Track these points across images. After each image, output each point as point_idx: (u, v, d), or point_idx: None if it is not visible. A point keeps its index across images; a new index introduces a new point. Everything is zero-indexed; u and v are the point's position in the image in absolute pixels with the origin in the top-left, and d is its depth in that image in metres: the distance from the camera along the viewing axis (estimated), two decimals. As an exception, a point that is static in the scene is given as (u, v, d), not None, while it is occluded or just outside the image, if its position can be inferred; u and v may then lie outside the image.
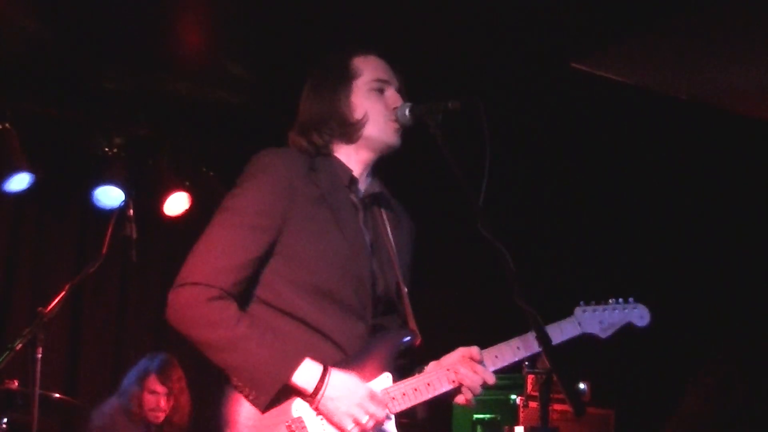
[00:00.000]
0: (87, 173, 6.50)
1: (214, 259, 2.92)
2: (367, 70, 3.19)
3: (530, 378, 6.01)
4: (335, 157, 3.16)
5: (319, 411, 2.92)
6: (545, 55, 5.72)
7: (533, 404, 5.91)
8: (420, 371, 3.13)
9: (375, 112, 3.14)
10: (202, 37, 5.83)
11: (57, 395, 5.18)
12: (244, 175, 3.07)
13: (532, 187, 7.31)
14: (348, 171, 3.14)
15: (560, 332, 3.23)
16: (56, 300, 4.39)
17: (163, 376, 5.81)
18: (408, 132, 3.19)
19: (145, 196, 6.33)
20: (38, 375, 4.42)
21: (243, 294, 2.98)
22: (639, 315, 3.40)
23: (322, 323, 2.99)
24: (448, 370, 3.09)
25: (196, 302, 2.89)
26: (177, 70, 6.10)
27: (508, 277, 2.77)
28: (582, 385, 6.22)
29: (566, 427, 5.94)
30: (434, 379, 3.07)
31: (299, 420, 2.92)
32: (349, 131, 3.14)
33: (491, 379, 3.14)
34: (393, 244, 3.20)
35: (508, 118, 6.11)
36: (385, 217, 3.24)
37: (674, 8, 5.18)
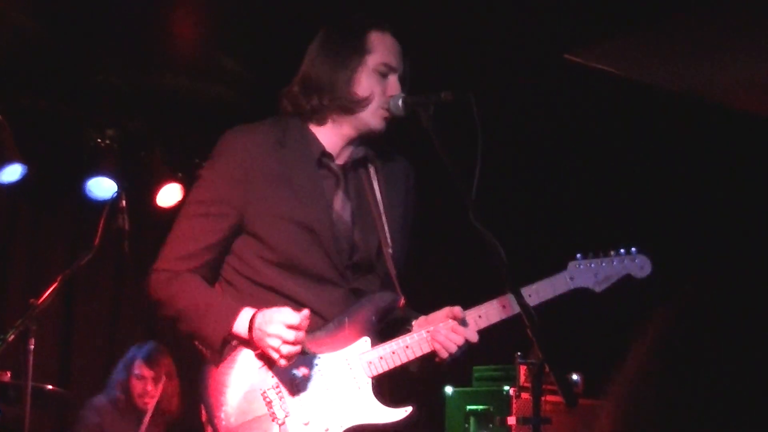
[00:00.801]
0: (79, 165, 6.48)
1: (176, 247, 3.15)
2: (380, 49, 3.19)
3: (523, 369, 6.02)
4: (309, 131, 3.17)
5: (297, 368, 3.01)
6: (538, 46, 5.72)
7: (526, 395, 5.93)
8: (407, 330, 3.16)
9: (375, 94, 3.15)
10: (195, 30, 5.82)
11: (50, 387, 5.18)
12: (208, 159, 3.21)
13: (524, 179, 7.31)
14: (320, 146, 3.17)
15: (551, 287, 3.20)
16: (49, 291, 4.37)
17: (150, 361, 5.83)
18: (400, 122, 3.19)
19: (137, 188, 6.32)
20: (31, 367, 4.41)
21: (217, 268, 3.18)
22: (639, 266, 3.29)
23: (296, 292, 3.09)
24: (428, 331, 3.11)
25: (157, 285, 3.12)
26: (170, 63, 6.09)
27: (500, 268, 2.78)
28: (575, 377, 6.23)
29: (559, 419, 5.95)
30: (413, 342, 3.11)
31: (274, 386, 3.02)
32: (350, 106, 3.15)
33: (473, 338, 3.13)
34: (381, 203, 3.23)
35: (501, 110, 6.11)
36: (374, 178, 3.26)
37: (669, 1, 5.18)
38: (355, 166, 3.26)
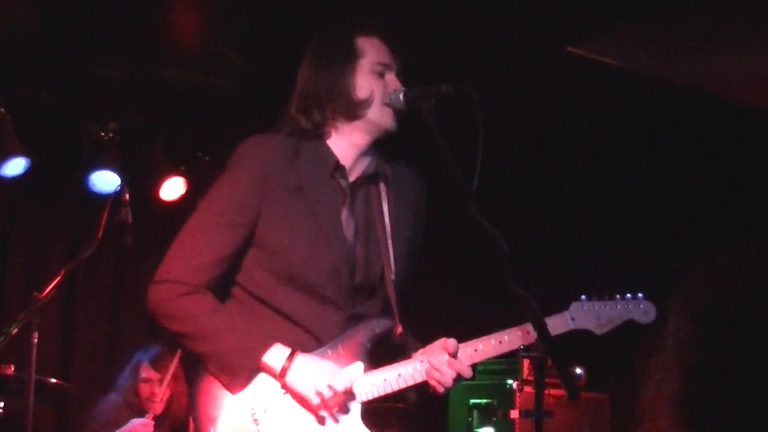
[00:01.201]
0: (82, 158, 6.48)
1: (188, 257, 3.05)
2: (371, 51, 3.17)
3: (526, 362, 6.03)
4: (324, 143, 3.16)
5: (288, 390, 3.00)
6: (541, 39, 5.71)
7: (529, 389, 5.93)
8: (405, 358, 3.14)
9: (376, 94, 3.14)
10: (197, 22, 5.81)
11: (53, 380, 5.18)
12: (225, 167, 3.14)
13: (526, 173, 7.30)
14: (333, 158, 3.14)
15: (551, 327, 3.11)
16: (51, 285, 4.37)
17: (155, 364, 5.83)
18: (402, 116, 3.18)
19: (140, 181, 6.32)
20: (33, 360, 4.41)
21: (224, 283, 3.09)
22: (643, 311, 3.25)
23: (297, 312, 3.06)
24: (421, 362, 3.09)
25: (169, 298, 3.01)
26: (172, 55, 6.09)
27: (501, 262, 2.77)
28: (578, 370, 6.23)
29: (561, 412, 5.96)
30: (406, 371, 3.09)
31: (263, 407, 3.01)
32: (353, 110, 3.12)
33: (466, 373, 3.11)
34: (388, 226, 3.20)
35: (503, 103, 6.10)
36: (383, 195, 3.23)
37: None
38: (366, 182, 3.22)
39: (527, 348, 5.65)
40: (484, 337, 3.15)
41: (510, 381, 6.08)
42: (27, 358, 4.32)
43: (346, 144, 3.17)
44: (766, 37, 5.57)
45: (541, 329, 2.82)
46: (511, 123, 6.48)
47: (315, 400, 2.97)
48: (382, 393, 3.08)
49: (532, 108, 6.63)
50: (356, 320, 3.12)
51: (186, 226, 3.14)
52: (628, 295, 3.28)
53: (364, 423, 3.06)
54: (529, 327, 3.10)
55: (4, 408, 4.88)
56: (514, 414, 5.88)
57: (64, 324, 6.59)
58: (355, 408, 3.06)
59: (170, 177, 6.64)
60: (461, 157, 2.85)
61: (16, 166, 6.10)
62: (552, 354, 2.80)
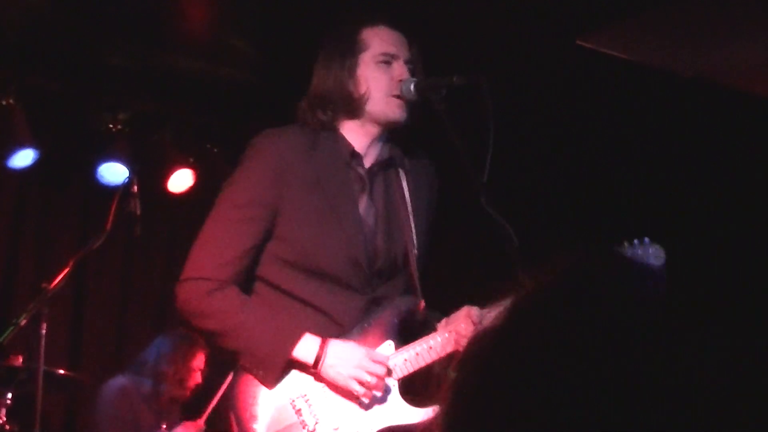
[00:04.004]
0: (91, 149, 6.49)
1: (211, 254, 3.08)
2: (375, 42, 3.18)
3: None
4: (339, 133, 3.18)
5: (323, 380, 3.01)
6: (551, 31, 5.70)
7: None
8: (431, 331, 3.16)
9: (378, 86, 3.15)
10: (207, 13, 5.80)
11: (62, 371, 5.19)
12: (241, 161, 3.18)
13: (536, 164, 7.29)
14: (349, 147, 3.16)
15: None
16: (61, 275, 4.39)
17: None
18: (413, 107, 3.18)
19: (149, 173, 6.32)
20: (42, 350, 4.42)
21: (247, 276, 3.12)
22: (654, 255, 3.26)
23: (319, 300, 3.08)
24: (450, 332, 3.12)
25: (197, 296, 3.05)
26: (181, 46, 6.08)
27: (510, 252, 2.77)
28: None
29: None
30: (436, 343, 3.12)
31: (303, 395, 3.01)
32: (353, 107, 3.15)
33: None
34: (409, 206, 3.23)
35: (513, 95, 6.09)
36: (403, 179, 3.25)
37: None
38: (383, 167, 3.25)
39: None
40: (506, 301, 3.15)
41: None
42: (36, 348, 4.35)
43: (359, 133, 3.20)
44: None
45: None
46: (521, 114, 6.47)
47: (357, 389, 2.99)
48: (416, 367, 3.11)
49: (541, 99, 6.62)
50: (377, 302, 3.14)
51: (206, 223, 3.17)
52: (636, 240, 3.28)
53: (403, 399, 3.09)
54: None
55: (13, 398, 4.89)
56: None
57: (73, 315, 6.59)
58: (393, 385, 3.09)
59: (179, 169, 6.64)
60: (472, 148, 2.85)
61: (26, 157, 6.11)
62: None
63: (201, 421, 5.30)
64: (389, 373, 3.05)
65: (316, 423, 3.00)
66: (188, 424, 5.41)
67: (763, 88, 6.36)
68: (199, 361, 5.77)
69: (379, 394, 3.03)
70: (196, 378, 5.76)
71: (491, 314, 3.10)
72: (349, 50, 3.18)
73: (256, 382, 3.02)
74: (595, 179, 7.31)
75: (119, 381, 5.78)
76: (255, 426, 3.00)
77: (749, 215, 6.90)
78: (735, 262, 6.87)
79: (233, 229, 3.09)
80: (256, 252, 3.11)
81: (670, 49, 5.92)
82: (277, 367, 2.99)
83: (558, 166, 7.34)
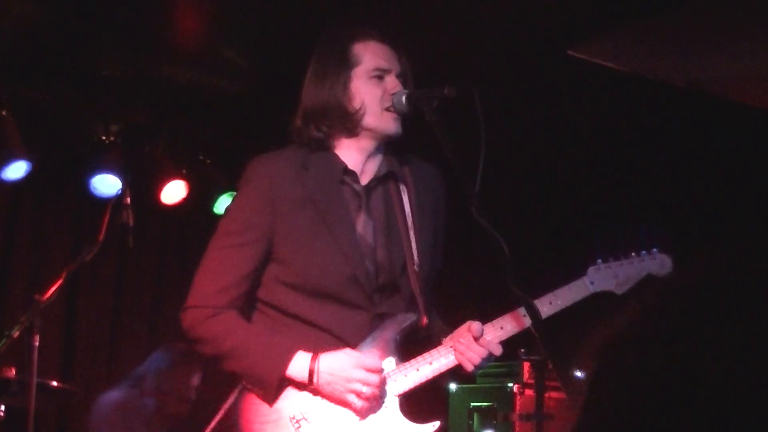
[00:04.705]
0: (84, 161, 6.49)
1: (209, 281, 3.15)
2: (367, 57, 3.19)
3: (527, 366, 6.02)
4: (332, 152, 3.19)
5: (321, 395, 3.04)
6: (542, 42, 5.72)
7: (529, 392, 5.93)
8: (436, 346, 3.18)
9: (372, 100, 3.15)
10: (200, 23, 5.81)
11: (54, 383, 5.18)
12: (237, 188, 3.27)
13: (527, 174, 7.30)
14: (341, 165, 3.17)
15: (570, 293, 3.21)
16: (53, 287, 4.38)
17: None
18: (406, 119, 3.19)
19: (142, 184, 6.32)
20: (35, 362, 4.41)
21: (249, 300, 3.19)
22: (660, 264, 3.29)
23: (320, 319, 3.11)
24: (450, 346, 3.14)
25: (196, 323, 3.12)
26: (174, 57, 6.09)
27: (502, 263, 2.78)
28: (578, 373, 6.22)
29: (562, 415, 5.96)
30: (435, 358, 3.14)
31: (302, 413, 3.05)
32: (349, 123, 3.16)
33: (497, 350, 3.15)
34: (410, 220, 3.23)
35: (505, 105, 6.11)
36: (404, 192, 3.26)
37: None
38: (382, 182, 3.26)
39: (528, 351, 5.67)
40: (506, 315, 3.18)
41: (510, 384, 6.07)
42: (29, 360, 4.33)
43: (353, 149, 3.21)
44: (766, 37, 5.58)
45: (541, 331, 2.84)
46: (513, 125, 6.49)
47: (353, 400, 3.02)
48: (417, 383, 3.13)
49: (533, 110, 6.63)
50: (381, 319, 3.16)
51: (206, 252, 3.23)
52: (643, 251, 3.31)
53: (404, 415, 3.10)
54: (550, 298, 3.13)
55: (5, 411, 4.88)
56: (515, 417, 5.87)
57: (66, 326, 6.59)
58: (393, 402, 3.10)
59: (172, 180, 6.64)
60: (464, 158, 2.85)
61: (18, 169, 6.10)
62: (552, 356, 2.82)
63: None
64: (384, 381, 3.06)
65: None
66: None
67: (755, 97, 6.39)
68: (197, 378, 5.76)
69: (374, 403, 3.05)
70: (192, 395, 5.75)
71: (495, 326, 3.11)
72: (342, 65, 3.19)
73: (258, 400, 3.06)
74: (588, 189, 7.32)
75: (114, 395, 5.74)
76: None
77: (742, 223, 6.92)
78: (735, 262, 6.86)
79: (228, 256, 3.15)
80: (256, 276, 3.16)
81: (662, 59, 5.94)
82: (272, 385, 3.03)
83: (550, 176, 7.35)
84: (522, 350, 5.69)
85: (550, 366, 2.84)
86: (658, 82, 6.17)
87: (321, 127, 3.18)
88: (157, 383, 5.67)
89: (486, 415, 6.24)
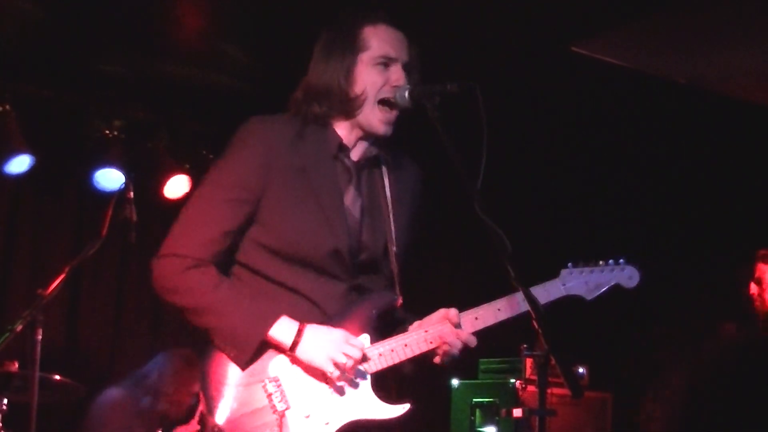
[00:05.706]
0: (87, 156, 6.49)
1: (192, 232, 3.08)
2: (375, 43, 3.19)
3: (529, 362, 6.02)
4: (329, 126, 3.19)
5: (298, 364, 3.02)
6: (545, 38, 5.71)
7: (532, 388, 5.93)
8: (404, 330, 3.18)
9: (372, 88, 3.15)
10: (201, 20, 5.82)
11: (57, 377, 5.18)
12: (228, 145, 3.19)
13: (529, 170, 7.30)
14: (338, 139, 3.18)
15: (545, 293, 3.24)
16: (56, 282, 4.38)
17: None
18: (403, 115, 3.19)
19: (145, 179, 6.32)
20: (38, 357, 4.42)
21: (226, 259, 3.12)
22: (628, 276, 3.34)
23: (299, 285, 3.09)
24: (426, 331, 3.14)
25: (174, 272, 3.05)
26: (176, 52, 6.09)
27: (503, 259, 2.78)
28: (581, 369, 6.23)
29: (565, 411, 5.96)
30: (411, 341, 3.14)
31: (275, 379, 3.03)
32: (348, 107, 3.16)
33: (471, 342, 3.17)
34: (390, 202, 3.24)
35: (507, 101, 6.11)
36: (385, 175, 3.27)
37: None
38: (369, 164, 3.26)
39: (530, 347, 5.66)
40: (483, 305, 3.19)
41: (513, 380, 6.07)
42: (31, 354, 4.34)
43: (349, 130, 3.21)
44: (766, 34, 5.58)
45: (543, 324, 2.83)
46: (516, 121, 6.49)
47: (332, 370, 2.99)
48: (390, 363, 3.11)
49: (536, 106, 6.63)
50: (359, 291, 3.16)
51: (190, 201, 3.17)
52: (611, 260, 3.35)
53: (375, 393, 3.09)
54: (520, 295, 3.11)
55: (8, 404, 4.89)
56: (517, 413, 5.87)
57: (69, 321, 6.59)
58: (366, 379, 3.09)
59: (175, 175, 6.65)
60: (466, 154, 2.86)
61: (21, 163, 6.11)
62: (555, 353, 2.81)
63: (194, 422, 5.30)
64: (364, 358, 3.05)
65: (287, 408, 2.99)
66: (181, 429, 5.40)
67: (757, 94, 6.39)
68: (197, 386, 5.73)
69: (349, 379, 3.03)
70: (191, 401, 5.75)
71: (470, 316, 3.12)
72: (349, 48, 3.18)
73: (228, 361, 3.01)
74: (590, 184, 7.33)
75: (114, 393, 5.77)
76: (222, 405, 2.99)
77: (743, 220, 6.92)
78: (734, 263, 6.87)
79: (217, 210, 3.09)
80: (237, 236, 3.11)
81: (664, 56, 5.94)
82: (250, 347, 2.99)
83: (552, 172, 7.36)
84: (524, 346, 5.68)
85: (553, 362, 2.83)
86: (660, 79, 6.17)
87: (322, 105, 3.18)
88: (158, 385, 5.69)
89: (488, 411, 6.24)
